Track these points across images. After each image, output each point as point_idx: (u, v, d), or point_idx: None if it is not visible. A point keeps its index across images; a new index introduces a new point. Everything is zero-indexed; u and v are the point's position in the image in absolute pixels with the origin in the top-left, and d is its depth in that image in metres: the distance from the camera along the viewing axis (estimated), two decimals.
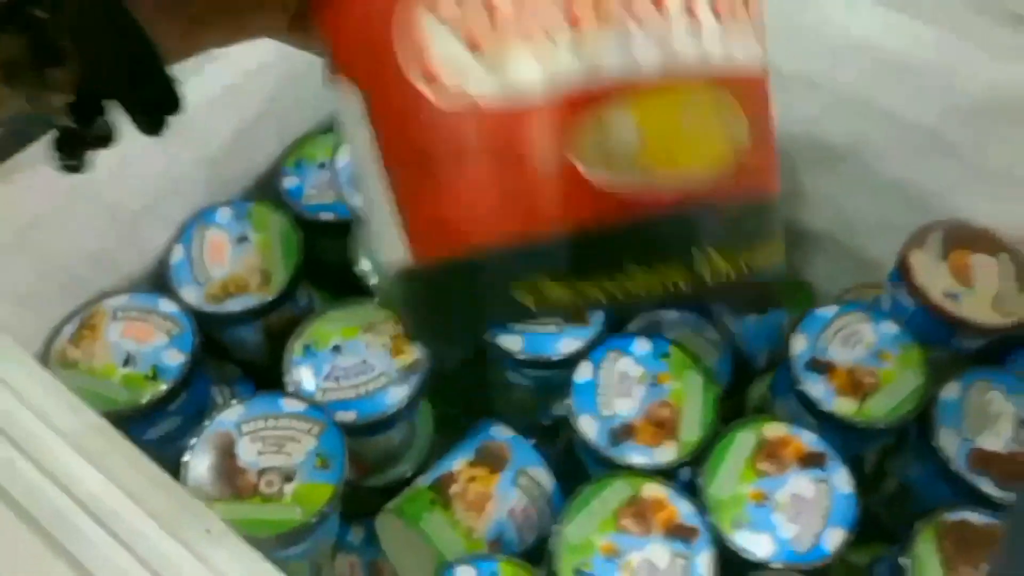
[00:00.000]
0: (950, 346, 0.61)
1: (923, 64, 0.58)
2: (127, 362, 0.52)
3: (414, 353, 0.55)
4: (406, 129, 0.17)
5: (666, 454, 0.52)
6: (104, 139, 0.24)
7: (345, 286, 0.60)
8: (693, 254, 0.19)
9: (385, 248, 0.19)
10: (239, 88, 0.58)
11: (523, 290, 0.18)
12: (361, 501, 0.57)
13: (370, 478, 0.60)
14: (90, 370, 0.52)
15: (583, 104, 0.16)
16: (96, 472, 0.38)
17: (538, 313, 0.18)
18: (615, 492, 0.50)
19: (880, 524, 0.59)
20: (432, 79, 0.16)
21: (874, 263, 0.68)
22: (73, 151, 0.23)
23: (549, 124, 0.16)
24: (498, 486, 0.54)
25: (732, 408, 0.63)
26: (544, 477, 0.55)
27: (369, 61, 0.18)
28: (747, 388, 0.67)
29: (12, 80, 0.20)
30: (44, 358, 0.53)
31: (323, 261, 0.61)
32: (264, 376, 0.59)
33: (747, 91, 0.19)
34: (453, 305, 0.19)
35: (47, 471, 0.38)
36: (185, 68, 0.53)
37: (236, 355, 0.61)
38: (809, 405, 0.55)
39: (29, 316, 0.53)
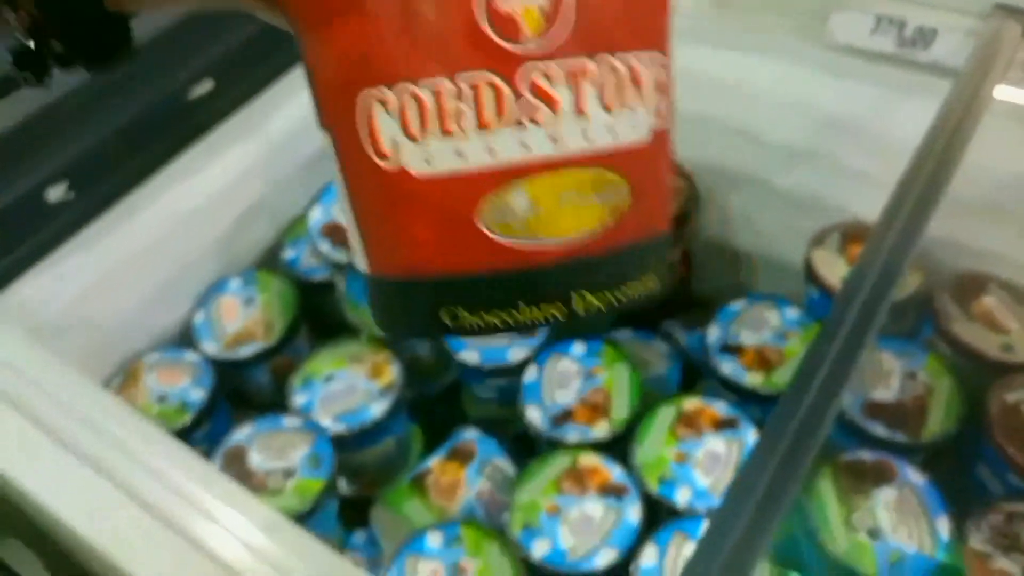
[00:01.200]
0: None
1: (785, 95, 0.70)
2: (161, 400, 0.65)
3: (390, 375, 0.66)
4: (362, 178, 0.23)
5: (599, 431, 0.61)
6: (62, 59, 0.22)
7: (335, 330, 0.72)
8: (570, 296, 0.23)
9: (356, 253, 0.25)
10: (238, 185, 0.73)
11: (445, 313, 0.23)
12: (363, 511, 0.68)
13: (372, 491, 0.71)
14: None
15: (488, 182, 0.21)
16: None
17: (457, 332, 0.23)
18: (557, 463, 0.60)
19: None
20: (380, 154, 0.22)
21: (798, 271, 0.78)
22: (33, 70, 0.22)
23: (462, 195, 0.21)
24: (466, 475, 0.64)
25: None
26: (507, 465, 0.65)
27: (339, 124, 0.23)
28: (694, 388, 0.76)
29: None
30: None
31: (319, 313, 0.74)
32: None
33: (632, 160, 0.22)
34: (402, 309, 0.25)
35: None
36: (194, 168, 0.67)
37: (251, 396, 0.73)
38: (723, 381, 0.64)
39: (85, 373, 0.67)
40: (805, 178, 0.76)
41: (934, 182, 0.47)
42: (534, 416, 0.63)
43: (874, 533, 0.55)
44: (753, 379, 0.64)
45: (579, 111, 0.19)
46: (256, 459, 0.60)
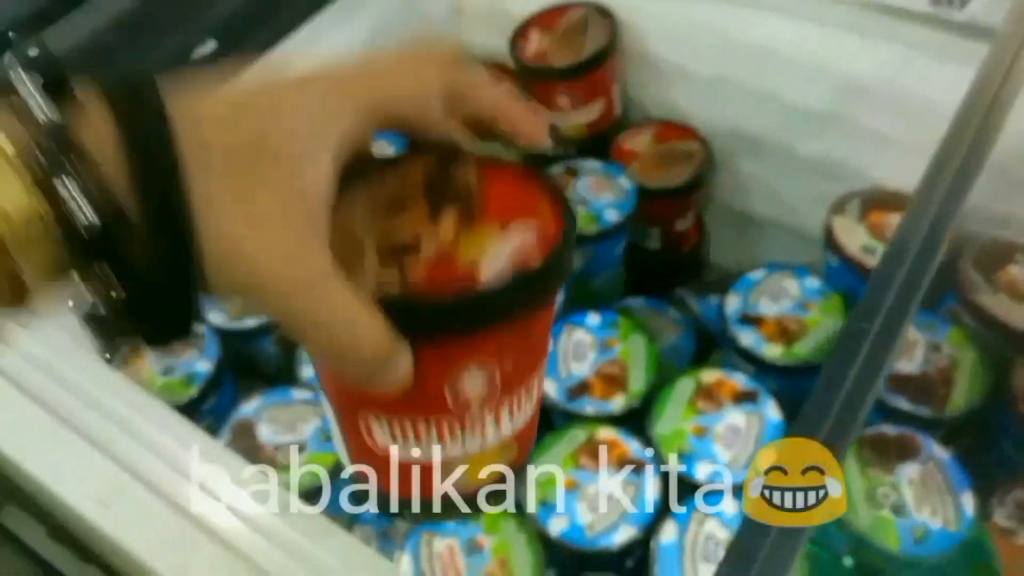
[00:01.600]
0: (856, 290, 0.68)
1: (807, 56, 0.68)
2: (167, 372, 0.64)
3: None
4: (356, 443, 0.30)
5: (616, 404, 0.60)
6: (126, 332, 0.23)
7: None
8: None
9: (342, 454, 0.32)
10: None
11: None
12: None
13: None
14: (138, 382, 0.63)
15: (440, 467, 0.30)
16: None
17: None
18: (573, 437, 0.58)
19: None
20: (372, 441, 0.29)
21: (817, 240, 0.77)
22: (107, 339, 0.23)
23: (423, 467, 0.30)
24: None
25: None
26: None
27: (345, 417, 0.30)
28: (708, 358, 0.75)
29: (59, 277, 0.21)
30: None
31: None
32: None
33: (522, 434, 0.31)
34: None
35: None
36: None
37: (258, 368, 0.72)
38: (742, 352, 0.63)
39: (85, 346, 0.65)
40: (826, 143, 0.73)
41: (976, 150, 0.45)
42: (549, 389, 0.61)
43: (898, 509, 0.54)
44: (773, 351, 0.62)
45: (498, 425, 0.29)
46: (265, 432, 0.59)
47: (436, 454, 0.29)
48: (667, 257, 0.85)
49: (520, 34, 0.77)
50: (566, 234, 0.27)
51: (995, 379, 0.60)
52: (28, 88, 0.21)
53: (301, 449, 0.58)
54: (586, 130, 0.79)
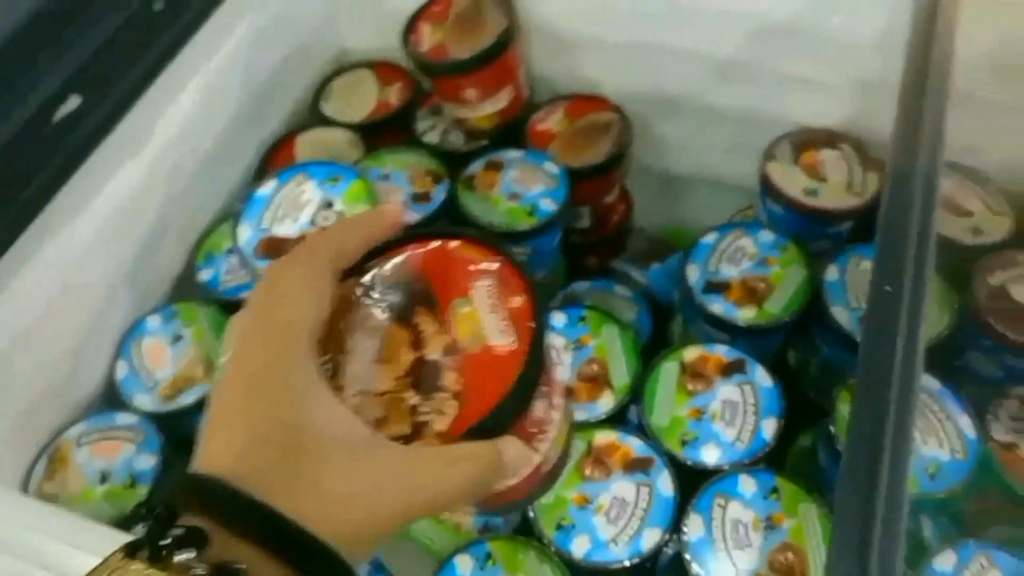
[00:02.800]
0: (826, 236, 0.68)
1: (714, 5, 0.66)
2: (104, 479, 0.56)
3: None
4: None
5: (604, 404, 0.57)
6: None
7: None
8: None
9: None
10: (140, 205, 0.62)
11: None
12: None
13: None
14: (69, 499, 0.55)
15: None
16: None
17: None
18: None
19: (818, 406, 0.65)
20: None
21: (742, 187, 0.76)
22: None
23: None
24: None
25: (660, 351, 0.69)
26: None
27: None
28: (668, 328, 0.73)
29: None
30: None
31: None
32: None
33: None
34: None
35: None
36: (74, 205, 0.57)
37: None
38: (716, 322, 0.61)
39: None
40: (743, 92, 0.72)
41: (938, 77, 0.44)
42: None
43: None
44: (746, 314, 0.61)
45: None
46: None
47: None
48: (598, 233, 0.83)
49: (410, 30, 0.71)
50: (535, 301, 0.31)
51: (959, 296, 0.61)
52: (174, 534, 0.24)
53: None
54: (497, 119, 0.74)
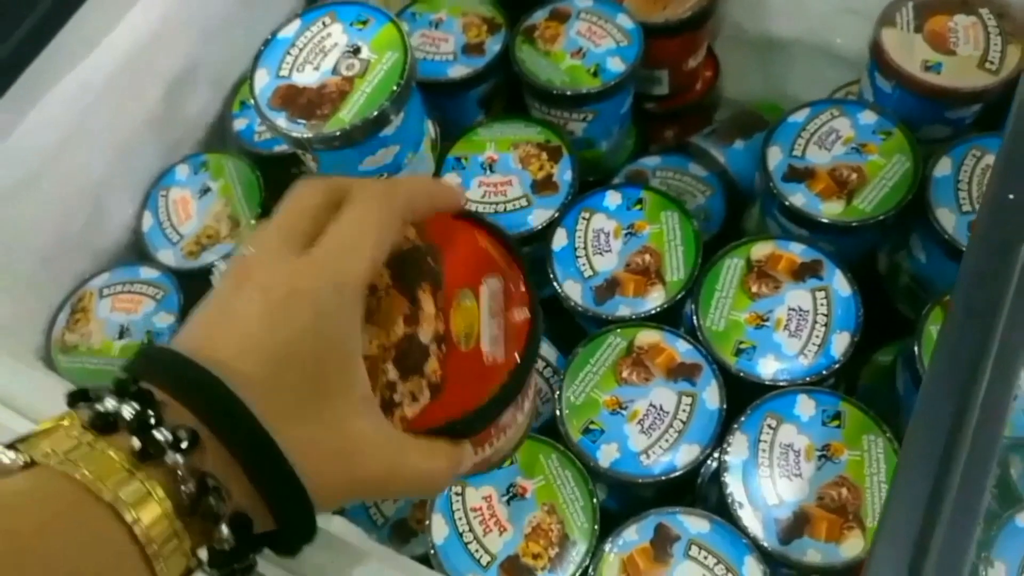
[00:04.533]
0: (944, 120, 0.57)
1: None
2: (122, 334, 0.54)
3: None
4: None
5: (654, 300, 0.51)
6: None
7: None
8: None
9: None
10: (165, 43, 0.57)
11: None
12: None
13: None
14: (90, 350, 0.54)
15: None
16: None
17: None
18: (610, 347, 0.49)
19: (906, 321, 0.57)
20: None
21: (852, 59, 0.65)
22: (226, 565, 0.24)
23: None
24: None
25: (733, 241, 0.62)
26: (547, 350, 0.55)
27: None
28: (743, 217, 0.65)
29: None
30: (47, 349, 0.54)
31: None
32: None
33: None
34: None
35: None
36: (94, 28, 0.51)
37: None
38: (794, 216, 0.53)
39: (23, 313, 0.55)
40: None
41: None
42: (572, 291, 0.52)
43: None
44: (831, 208, 0.52)
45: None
46: None
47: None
48: (678, 102, 0.73)
49: None
50: (533, 330, 0.31)
51: None
52: (166, 437, 0.23)
53: None
54: None
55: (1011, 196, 0.29)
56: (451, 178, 0.57)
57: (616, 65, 0.59)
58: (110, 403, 0.23)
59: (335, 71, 0.49)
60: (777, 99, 0.76)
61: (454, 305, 0.31)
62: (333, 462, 0.26)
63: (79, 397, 0.24)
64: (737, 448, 0.45)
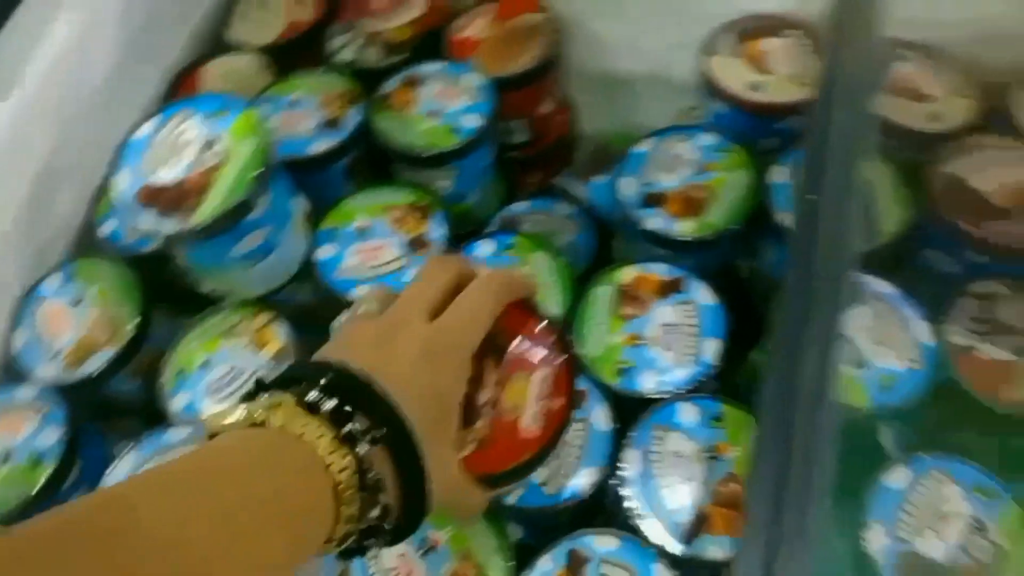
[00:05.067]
0: (773, 133, 0.63)
1: None
2: (5, 460, 0.52)
3: (277, 339, 0.55)
4: None
5: None
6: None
7: (192, 305, 0.59)
8: None
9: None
10: (12, 149, 0.57)
11: None
12: None
13: None
14: None
15: None
16: None
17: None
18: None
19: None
20: None
21: (690, 86, 0.70)
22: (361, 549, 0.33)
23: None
24: None
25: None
26: None
27: None
28: (612, 246, 0.69)
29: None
30: None
31: (167, 289, 0.61)
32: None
33: None
34: None
35: None
36: None
37: (120, 408, 0.61)
38: (654, 238, 0.56)
39: None
40: None
41: None
42: None
43: (858, 363, 0.50)
44: (686, 227, 0.56)
45: None
46: None
47: None
48: (539, 147, 0.77)
49: None
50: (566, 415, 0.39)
51: (914, 190, 0.56)
52: (355, 428, 0.32)
53: None
54: (414, 29, 0.68)
55: (810, 197, 0.33)
56: (326, 250, 0.58)
57: (471, 122, 0.62)
58: (313, 394, 0.32)
59: (195, 165, 0.50)
60: (630, 131, 0.80)
61: (510, 381, 0.39)
62: (435, 482, 0.34)
63: (289, 382, 0.33)
64: (631, 463, 0.48)
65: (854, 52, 0.36)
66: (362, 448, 0.31)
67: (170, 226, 0.49)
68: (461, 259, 0.40)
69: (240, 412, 0.32)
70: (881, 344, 0.51)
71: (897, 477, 0.47)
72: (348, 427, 0.31)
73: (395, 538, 0.34)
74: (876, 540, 0.45)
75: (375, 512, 0.32)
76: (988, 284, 0.53)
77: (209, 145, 0.51)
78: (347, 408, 0.32)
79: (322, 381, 0.32)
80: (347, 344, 0.37)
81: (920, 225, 0.56)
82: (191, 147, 0.51)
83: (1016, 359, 0.51)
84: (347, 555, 0.33)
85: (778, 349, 0.31)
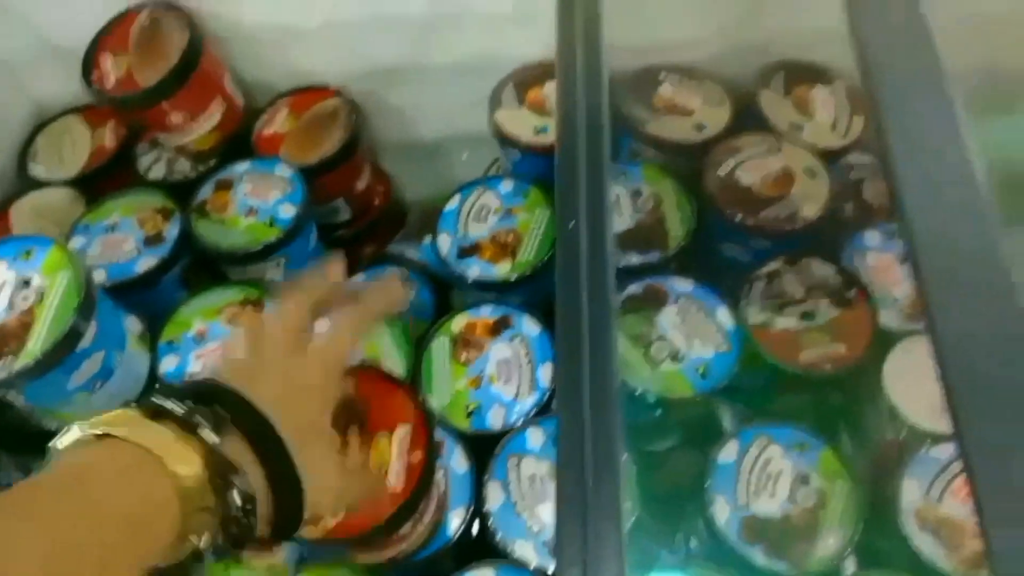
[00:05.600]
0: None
1: None
2: None
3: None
4: None
5: None
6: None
7: (34, 446, 0.59)
8: None
9: None
10: None
11: None
12: None
13: None
14: None
15: None
16: None
17: None
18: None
19: None
20: None
21: (487, 138, 0.75)
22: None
23: None
24: None
25: None
26: None
27: None
28: (451, 300, 0.72)
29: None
30: None
31: (14, 430, 0.60)
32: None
33: None
34: None
35: None
36: None
37: None
38: (478, 285, 0.60)
39: None
40: (458, 43, 0.71)
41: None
42: None
43: (675, 356, 0.55)
44: (503, 269, 0.60)
45: None
46: None
47: None
48: (365, 221, 0.80)
49: (91, 66, 0.66)
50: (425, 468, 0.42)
51: (696, 196, 0.63)
52: (202, 420, 0.32)
53: None
54: (217, 136, 0.70)
55: (570, 224, 0.37)
56: (169, 361, 0.59)
57: (288, 211, 0.65)
58: (161, 401, 0.32)
59: (11, 308, 0.51)
60: (450, 190, 0.86)
61: (375, 442, 0.42)
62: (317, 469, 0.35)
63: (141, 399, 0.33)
64: (493, 496, 0.51)
65: (585, 83, 0.42)
66: (207, 436, 0.31)
67: (3, 372, 0.49)
68: (312, 288, 0.41)
69: (74, 431, 0.31)
70: (693, 336, 0.56)
71: (728, 452, 0.52)
72: (193, 418, 0.31)
73: (278, 531, 0.34)
74: (721, 513, 0.50)
75: (237, 500, 0.31)
76: (772, 264, 0.60)
77: (23, 286, 0.51)
78: (189, 403, 0.32)
79: (168, 393, 0.33)
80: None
81: (709, 224, 0.63)
82: (4, 291, 0.51)
83: (805, 324, 0.57)
84: (220, 552, 0.32)
85: (562, 351, 0.35)
